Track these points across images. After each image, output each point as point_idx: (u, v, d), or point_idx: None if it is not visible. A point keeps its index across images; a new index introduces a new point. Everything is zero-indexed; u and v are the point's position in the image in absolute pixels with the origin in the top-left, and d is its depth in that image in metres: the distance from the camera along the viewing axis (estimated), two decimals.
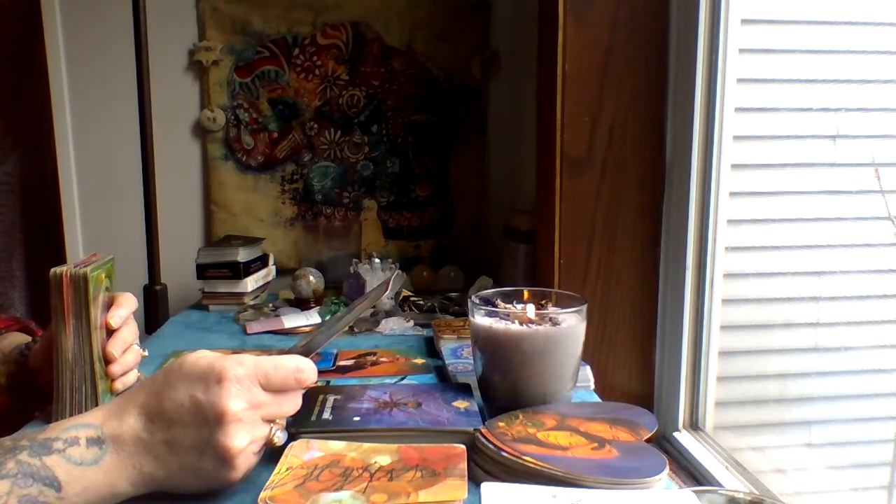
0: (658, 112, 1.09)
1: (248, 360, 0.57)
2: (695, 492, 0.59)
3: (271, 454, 0.62)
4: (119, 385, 0.76)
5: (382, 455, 0.63)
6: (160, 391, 0.56)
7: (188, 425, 0.55)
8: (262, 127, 1.64)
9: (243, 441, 0.55)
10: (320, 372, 0.96)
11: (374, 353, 1.05)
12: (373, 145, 1.67)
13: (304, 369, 0.60)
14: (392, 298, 1.35)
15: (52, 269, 0.69)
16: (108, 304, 0.76)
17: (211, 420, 0.54)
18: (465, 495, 0.55)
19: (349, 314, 0.77)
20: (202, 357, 0.58)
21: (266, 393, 0.58)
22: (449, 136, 1.69)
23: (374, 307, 1.31)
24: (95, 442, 0.54)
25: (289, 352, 0.68)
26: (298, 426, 0.68)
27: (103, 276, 0.73)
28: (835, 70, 1.06)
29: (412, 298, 1.33)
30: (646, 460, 0.61)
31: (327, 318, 1.23)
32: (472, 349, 0.80)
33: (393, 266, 1.40)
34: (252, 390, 0.56)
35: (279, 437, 0.60)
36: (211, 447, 0.54)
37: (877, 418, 1.09)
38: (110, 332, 0.75)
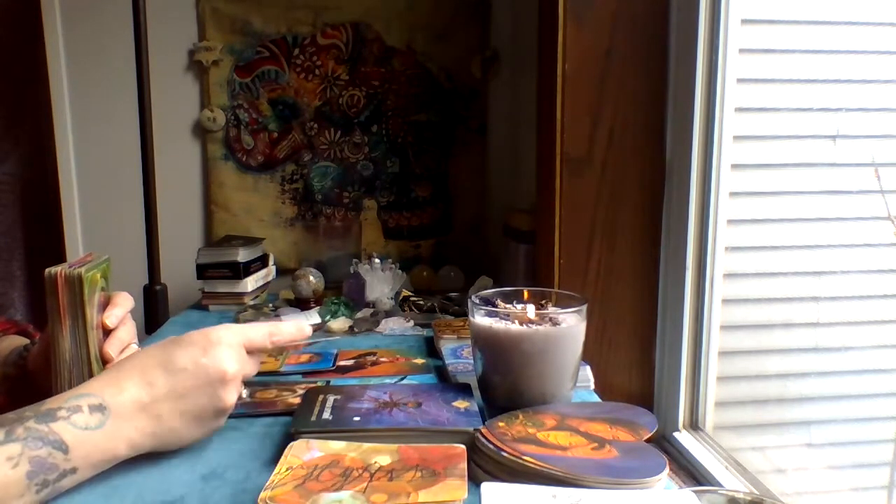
0: (658, 112, 1.09)
1: (235, 327, 0.68)
2: (695, 492, 0.59)
3: (272, 454, 0.62)
4: None
5: (382, 455, 0.63)
6: (161, 356, 0.63)
7: (190, 380, 0.62)
8: (262, 127, 1.64)
9: (233, 398, 0.65)
10: (320, 372, 0.97)
11: (374, 353, 1.05)
12: (373, 145, 1.67)
13: (277, 332, 0.70)
14: (392, 298, 1.36)
15: (47, 270, 0.69)
16: (105, 305, 0.76)
17: (214, 379, 0.63)
18: (465, 495, 0.55)
19: None
20: (193, 332, 0.66)
21: (248, 357, 0.68)
22: (449, 136, 1.69)
23: (374, 307, 1.31)
24: (97, 409, 0.58)
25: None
26: (298, 426, 0.68)
27: (98, 276, 0.73)
28: (835, 70, 1.06)
29: (412, 298, 1.33)
30: (646, 460, 0.61)
31: (327, 318, 1.23)
32: (472, 349, 0.80)
33: (393, 266, 1.39)
34: (241, 354, 0.66)
35: (245, 394, 0.75)
36: (212, 400, 0.63)
37: (877, 418, 1.09)
38: (107, 332, 0.75)
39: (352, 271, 1.39)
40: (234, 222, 1.65)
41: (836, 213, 1.07)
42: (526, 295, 0.82)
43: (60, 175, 1.60)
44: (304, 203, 1.67)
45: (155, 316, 1.35)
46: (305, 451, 0.64)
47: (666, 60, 1.08)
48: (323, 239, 1.60)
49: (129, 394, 0.60)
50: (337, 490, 0.56)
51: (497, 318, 0.75)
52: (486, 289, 0.87)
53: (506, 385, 0.75)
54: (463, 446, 0.64)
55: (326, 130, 1.66)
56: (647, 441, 0.66)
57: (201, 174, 1.66)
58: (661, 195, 1.11)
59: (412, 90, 1.66)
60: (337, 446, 0.65)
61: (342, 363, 1.01)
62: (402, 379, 0.94)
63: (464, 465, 0.60)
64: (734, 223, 1.05)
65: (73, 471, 0.56)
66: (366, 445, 0.65)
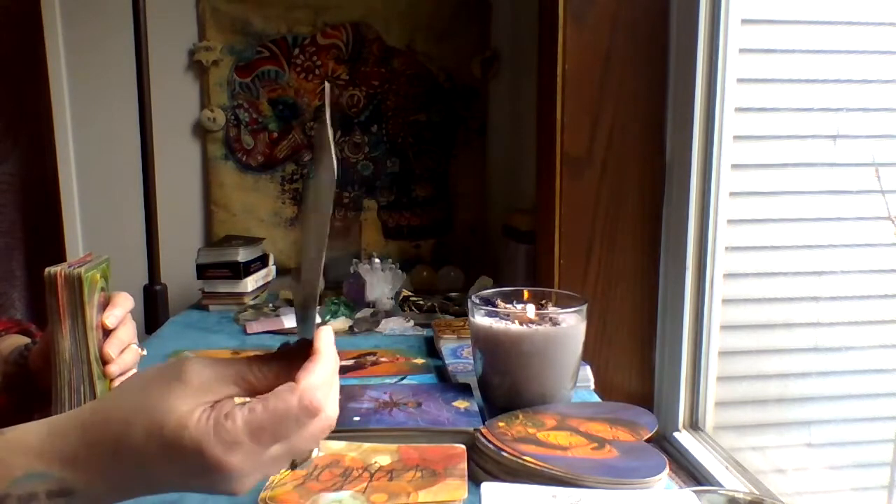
0: (658, 112, 1.09)
1: (242, 434, 0.43)
2: (695, 492, 0.59)
3: None
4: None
5: (382, 455, 0.63)
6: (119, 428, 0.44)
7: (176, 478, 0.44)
8: (262, 127, 1.64)
9: (252, 484, 0.46)
10: None
11: (374, 353, 1.05)
12: (373, 145, 1.67)
13: (310, 401, 0.44)
14: (392, 298, 1.36)
15: (47, 269, 0.69)
16: (105, 305, 0.76)
17: (218, 486, 0.44)
18: (465, 495, 0.55)
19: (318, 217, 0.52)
20: (183, 436, 0.42)
21: (277, 445, 0.45)
22: (449, 136, 1.69)
23: (374, 307, 1.31)
24: (59, 493, 0.43)
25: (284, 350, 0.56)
26: None
27: (98, 276, 0.73)
28: (835, 70, 1.06)
29: (412, 298, 1.33)
30: (646, 460, 0.61)
31: (327, 317, 1.23)
32: (472, 349, 0.80)
33: (393, 266, 1.39)
34: (261, 454, 0.44)
35: (304, 467, 0.49)
36: (212, 487, 0.45)
37: (877, 418, 1.09)
38: (107, 332, 0.75)
39: (352, 271, 1.39)
40: (234, 222, 1.65)
41: (836, 213, 1.07)
42: (526, 295, 0.82)
43: (60, 175, 1.60)
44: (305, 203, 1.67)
45: (155, 316, 1.35)
46: None
47: (666, 60, 1.08)
48: None
49: (97, 472, 0.43)
50: (337, 490, 0.56)
51: (497, 318, 0.75)
52: (486, 289, 0.87)
53: (506, 385, 0.75)
54: (463, 446, 0.64)
55: None
56: (647, 441, 0.66)
57: (201, 174, 1.66)
58: (661, 195, 1.11)
59: (412, 90, 1.66)
60: (337, 446, 0.65)
61: (342, 363, 1.01)
62: (402, 379, 0.94)
63: (464, 465, 0.61)
64: (734, 223, 1.05)
65: None
66: (366, 445, 0.65)
